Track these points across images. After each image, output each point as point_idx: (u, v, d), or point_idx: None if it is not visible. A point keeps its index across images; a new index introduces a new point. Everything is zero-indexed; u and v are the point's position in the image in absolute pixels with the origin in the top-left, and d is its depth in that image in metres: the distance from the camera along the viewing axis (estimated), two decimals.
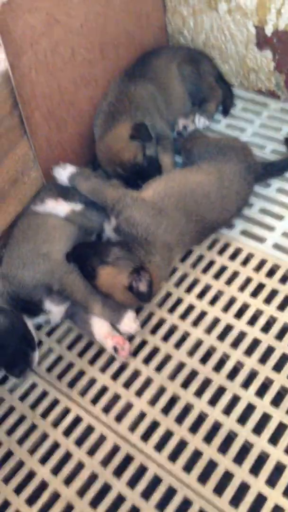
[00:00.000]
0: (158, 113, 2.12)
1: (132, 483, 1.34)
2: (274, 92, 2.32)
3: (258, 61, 2.27)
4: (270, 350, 1.54)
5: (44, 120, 1.83)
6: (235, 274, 1.75)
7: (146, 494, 1.32)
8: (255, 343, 1.57)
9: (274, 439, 1.37)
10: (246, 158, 1.90)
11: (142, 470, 1.36)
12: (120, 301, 1.60)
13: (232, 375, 1.51)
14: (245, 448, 1.37)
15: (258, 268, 1.75)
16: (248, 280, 1.72)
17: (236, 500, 1.28)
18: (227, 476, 1.33)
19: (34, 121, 1.78)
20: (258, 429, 1.39)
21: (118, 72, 2.12)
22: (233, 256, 1.80)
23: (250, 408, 1.44)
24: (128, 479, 1.35)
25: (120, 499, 1.32)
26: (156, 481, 1.34)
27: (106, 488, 1.35)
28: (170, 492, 1.32)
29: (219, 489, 1.31)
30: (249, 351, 1.55)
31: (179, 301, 1.71)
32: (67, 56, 1.84)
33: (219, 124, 2.29)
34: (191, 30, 2.37)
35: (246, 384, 1.49)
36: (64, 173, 1.84)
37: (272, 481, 1.30)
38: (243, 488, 1.30)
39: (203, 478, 1.33)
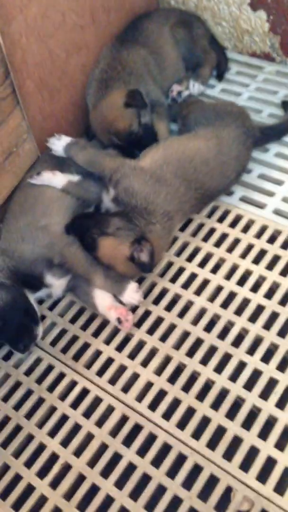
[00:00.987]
0: (151, 79, 2.06)
1: (142, 451, 1.35)
2: (269, 54, 2.27)
3: (252, 22, 2.21)
4: (274, 316, 1.54)
5: (36, 89, 1.78)
6: (236, 242, 1.73)
7: (157, 462, 1.33)
8: (259, 309, 1.56)
9: (281, 403, 1.38)
10: (243, 123, 1.86)
11: (151, 438, 1.37)
12: (122, 272, 1.59)
13: (237, 342, 1.51)
14: (253, 413, 1.38)
15: (259, 234, 1.74)
16: (249, 247, 1.71)
17: (245, 464, 1.30)
18: (236, 441, 1.34)
19: (26, 91, 1.73)
20: (265, 394, 1.40)
21: (110, 38, 2.06)
22: (233, 224, 1.78)
23: (256, 374, 1.44)
24: (137, 448, 1.36)
25: (131, 468, 1.33)
26: (165, 449, 1.35)
27: (116, 458, 1.35)
28: (180, 459, 1.33)
29: (229, 454, 1.32)
30: (253, 318, 1.55)
31: (181, 270, 1.69)
32: (58, 21, 1.78)
33: (214, 89, 2.24)
34: None
35: (251, 351, 1.49)
36: (59, 144, 1.80)
37: (280, 445, 1.31)
38: (252, 452, 1.31)
39: (212, 444, 1.34)
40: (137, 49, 2.03)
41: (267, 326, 1.52)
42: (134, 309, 1.61)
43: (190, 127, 1.90)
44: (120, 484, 1.31)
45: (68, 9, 1.80)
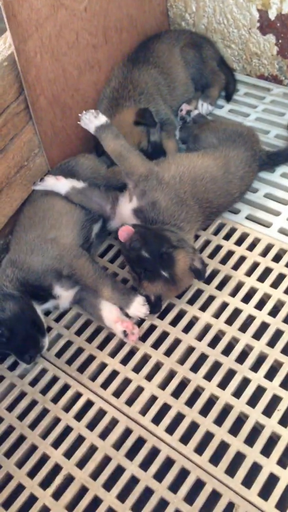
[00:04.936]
0: (161, 98, 2.11)
1: (145, 465, 1.35)
2: (277, 76, 2.32)
3: (261, 46, 2.27)
4: (278, 334, 1.55)
5: (49, 106, 1.82)
6: (242, 259, 1.75)
7: (159, 475, 1.33)
8: (264, 326, 1.58)
9: (284, 421, 1.38)
10: (252, 145, 1.91)
11: (154, 452, 1.38)
12: (185, 283, 1.62)
13: (241, 358, 1.52)
14: (256, 430, 1.38)
15: (265, 253, 1.76)
16: (255, 265, 1.73)
17: (248, 480, 1.30)
18: (239, 457, 1.34)
19: (39, 106, 1.77)
20: (268, 411, 1.40)
21: (121, 57, 2.11)
22: (239, 242, 1.81)
23: (260, 391, 1.45)
24: (140, 461, 1.36)
25: (133, 481, 1.34)
26: (168, 463, 1.35)
27: (119, 470, 1.36)
28: (183, 474, 1.33)
29: (231, 470, 1.32)
30: (257, 335, 1.56)
31: (187, 287, 1.71)
32: (71, 40, 1.83)
33: (222, 110, 2.29)
34: (193, 14, 2.36)
35: (255, 367, 1.50)
36: (94, 122, 1.71)
37: (283, 461, 1.32)
38: (255, 469, 1.31)
39: (215, 459, 1.34)
40: (148, 69, 2.08)
41: (272, 343, 1.53)
42: (139, 323, 1.63)
43: (200, 146, 1.94)
44: (122, 496, 1.31)
45: (81, 28, 1.86)
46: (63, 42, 1.78)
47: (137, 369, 1.54)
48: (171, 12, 2.42)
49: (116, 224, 1.73)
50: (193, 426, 1.40)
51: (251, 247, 1.78)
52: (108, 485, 1.33)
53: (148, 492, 1.31)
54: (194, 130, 2.05)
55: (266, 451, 1.34)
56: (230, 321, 1.60)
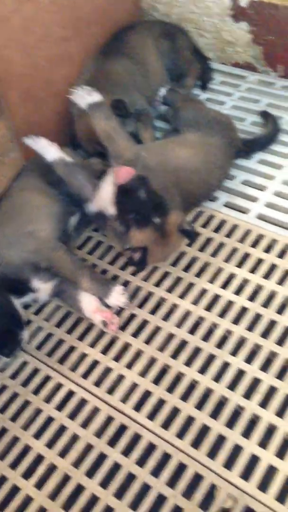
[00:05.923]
0: (136, 89, 2.11)
1: (127, 451, 1.36)
2: (251, 64, 2.33)
3: (234, 34, 2.27)
4: (257, 318, 1.57)
5: (21, 100, 1.82)
6: (220, 246, 1.76)
7: (141, 461, 1.34)
8: (243, 311, 1.59)
9: (264, 403, 1.39)
10: (229, 134, 1.91)
11: (136, 438, 1.38)
12: (168, 238, 1.59)
13: (221, 343, 1.53)
14: (237, 412, 1.39)
15: (243, 238, 1.77)
16: (233, 251, 1.74)
17: (230, 463, 1.31)
18: (220, 440, 1.35)
19: (11, 101, 1.77)
20: (248, 394, 1.41)
21: (93, 49, 2.10)
22: (218, 229, 1.81)
23: (240, 374, 1.46)
24: (122, 448, 1.37)
25: (116, 467, 1.34)
26: (150, 448, 1.36)
27: (101, 458, 1.36)
28: (165, 458, 1.34)
29: (213, 453, 1.33)
30: (236, 320, 1.57)
31: (166, 275, 1.72)
32: (41, 33, 1.82)
33: (198, 98, 2.29)
34: (166, 4, 2.36)
35: (235, 352, 1.51)
36: (87, 99, 1.72)
37: (264, 443, 1.33)
38: (236, 451, 1.33)
39: (197, 443, 1.35)
40: (121, 60, 2.07)
41: (251, 327, 1.55)
42: (119, 312, 1.63)
43: (179, 125, 1.95)
44: (105, 483, 1.32)
45: (50, 21, 1.85)
46: (32, 35, 1.78)
47: (117, 358, 1.55)
48: (143, 3, 2.42)
49: (94, 208, 1.72)
50: (174, 412, 1.41)
51: (229, 234, 1.79)
52: (90, 473, 1.34)
53: (130, 478, 1.32)
54: (178, 102, 2.06)
55: (247, 433, 1.35)
56: (209, 307, 1.61)
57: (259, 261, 1.70)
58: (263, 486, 1.26)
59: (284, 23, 2.12)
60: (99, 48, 2.11)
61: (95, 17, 2.08)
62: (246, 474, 1.28)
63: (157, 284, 1.69)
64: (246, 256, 1.72)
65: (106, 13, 2.14)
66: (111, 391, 1.48)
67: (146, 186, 1.53)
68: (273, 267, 1.67)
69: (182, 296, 1.65)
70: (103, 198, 1.68)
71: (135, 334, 1.59)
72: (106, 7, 2.13)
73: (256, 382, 1.44)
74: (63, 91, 2.00)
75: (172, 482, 1.29)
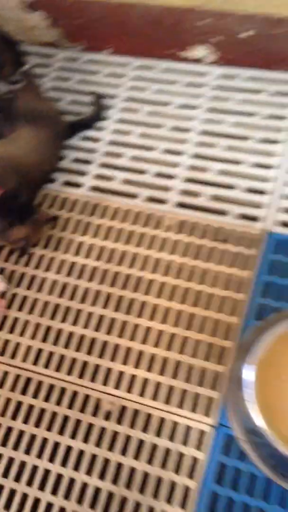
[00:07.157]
0: None
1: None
2: (56, 43, 2.64)
3: (34, 21, 2.55)
4: (104, 273, 2.13)
5: None
6: (67, 221, 2.20)
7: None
8: (95, 271, 2.13)
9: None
10: (57, 123, 2.26)
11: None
12: (41, 224, 2.10)
13: (83, 299, 2.09)
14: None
15: (82, 210, 2.24)
16: (77, 223, 2.17)
17: (106, 382, 1.93)
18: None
19: None
20: (110, 330, 2.00)
21: None
22: (61, 207, 2.26)
23: (101, 320, 2.04)
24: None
25: None
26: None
27: None
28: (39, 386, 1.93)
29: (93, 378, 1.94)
30: (91, 279, 2.12)
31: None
32: None
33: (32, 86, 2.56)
34: None
35: (94, 303, 2.07)
36: None
37: (126, 362, 1.96)
38: (109, 372, 1.94)
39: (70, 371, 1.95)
40: None
41: (102, 281, 2.10)
42: (2, 295, 2.11)
43: (12, 118, 2.18)
44: None
45: None
46: None
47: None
48: None
49: None
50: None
51: (71, 209, 2.27)
52: None
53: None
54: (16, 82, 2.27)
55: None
56: (69, 273, 2.13)
57: (98, 226, 2.19)
58: (130, 389, 1.89)
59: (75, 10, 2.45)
60: None
61: None
62: (117, 385, 1.90)
63: (27, 263, 2.14)
64: (88, 224, 2.18)
65: None
66: None
67: (19, 190, 1.95)
68: (109, 230, 2.19)
69: (47, 269, 2.09)
70: None
71: (21, 309, 2.10)
72: None
73: (113, 321, 2.03)
74: None
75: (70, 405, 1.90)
